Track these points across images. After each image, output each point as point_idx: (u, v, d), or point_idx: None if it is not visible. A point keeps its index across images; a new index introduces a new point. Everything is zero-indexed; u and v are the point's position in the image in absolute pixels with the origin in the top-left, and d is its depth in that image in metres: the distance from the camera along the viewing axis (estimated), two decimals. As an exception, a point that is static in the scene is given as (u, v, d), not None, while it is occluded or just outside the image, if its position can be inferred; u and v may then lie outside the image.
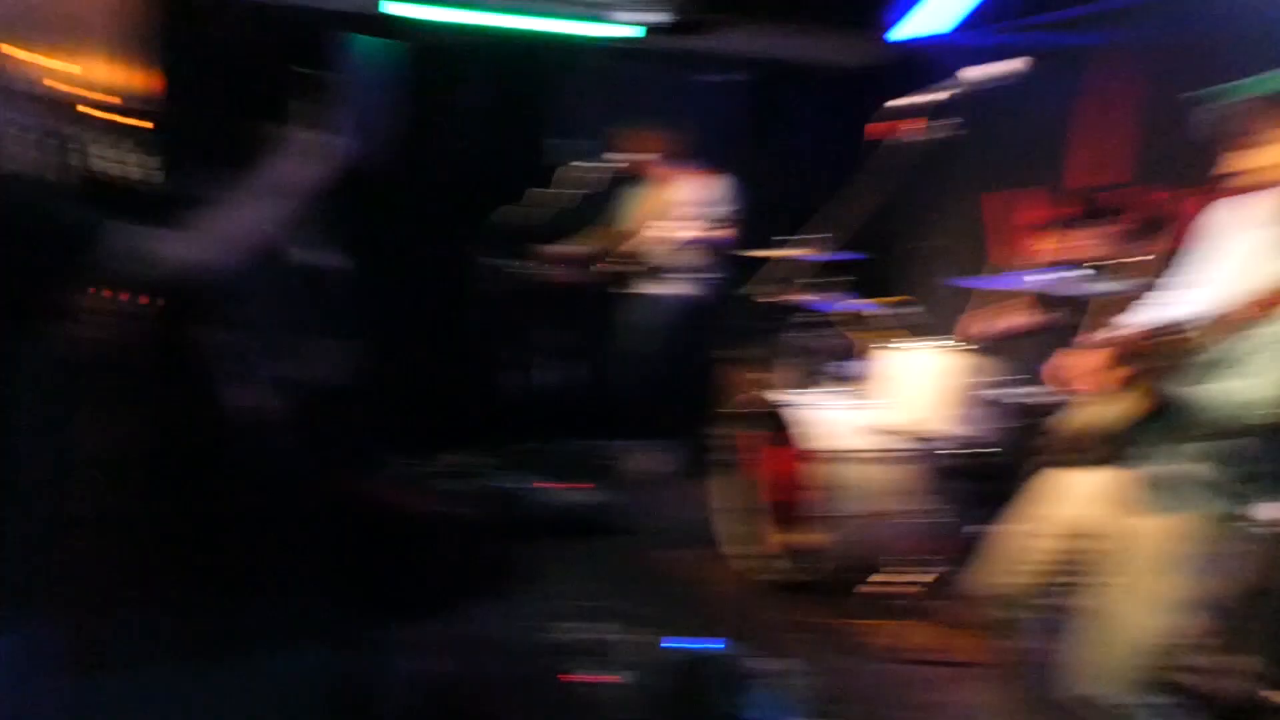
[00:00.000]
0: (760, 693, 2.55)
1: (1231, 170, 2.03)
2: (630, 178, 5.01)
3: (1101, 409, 2.17)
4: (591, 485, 4.44)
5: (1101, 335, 2.12)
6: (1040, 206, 4.55)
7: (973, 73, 2.65)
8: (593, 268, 4.97)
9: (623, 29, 5.57)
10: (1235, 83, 1.99)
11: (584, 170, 4.79)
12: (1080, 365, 2.22)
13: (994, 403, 3.48)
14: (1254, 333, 1.96)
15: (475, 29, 5.38)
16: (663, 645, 2.66)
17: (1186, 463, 2.06)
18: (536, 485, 4.33)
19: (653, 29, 5.58)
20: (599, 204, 5.10)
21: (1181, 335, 1.99)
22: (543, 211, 4.86)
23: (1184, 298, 2.19)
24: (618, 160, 4.84)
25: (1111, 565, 2.19)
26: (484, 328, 4.85)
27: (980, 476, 3.75)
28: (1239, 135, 2.00)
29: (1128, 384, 2.09)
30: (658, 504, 4.70)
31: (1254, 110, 1.96)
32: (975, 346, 3.52)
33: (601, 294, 5.01)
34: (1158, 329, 2.04)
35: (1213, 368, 1.97)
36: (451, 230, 4.96)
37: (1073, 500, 2.32)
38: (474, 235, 4.74)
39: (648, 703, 2.46)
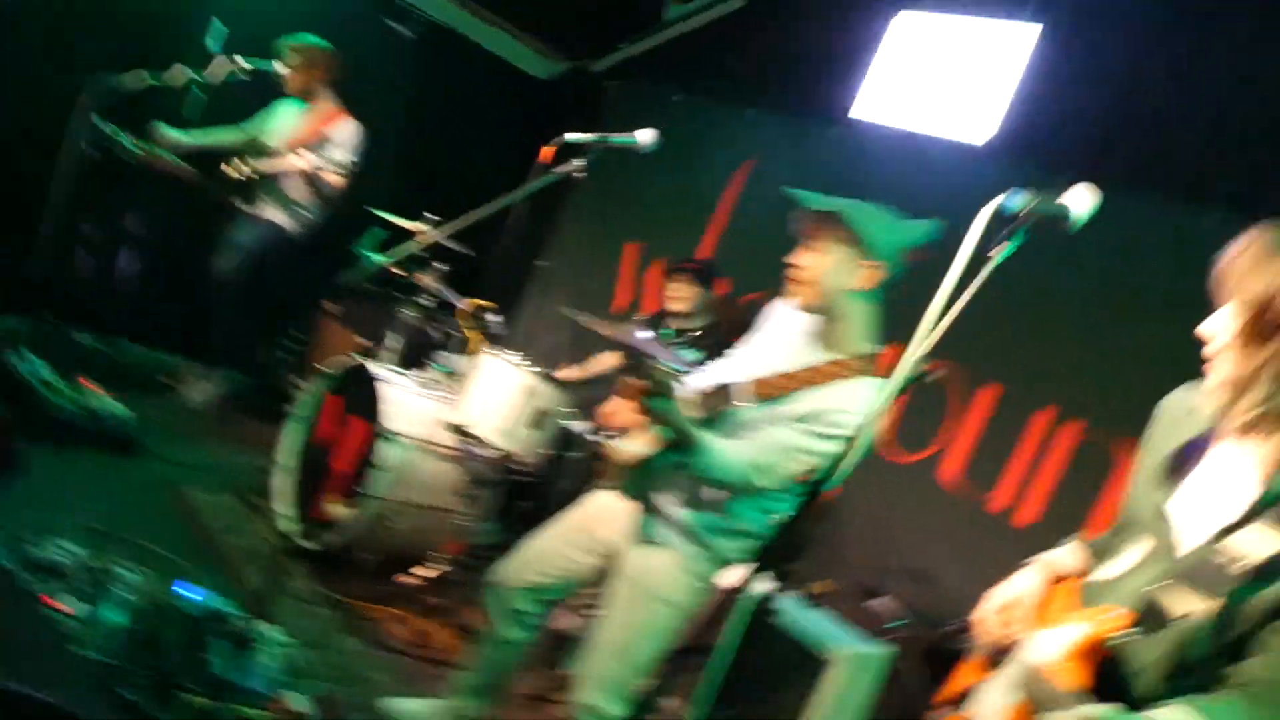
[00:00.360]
0: (250, 656, 2.46)
1: (788, 266, 2.33)
2: (281, 91, 4.68)
3: (627, 447, 2.40)
4: (133, 397, 4.01)
5: (628, 384, 2.32)
6: (661, 266, 4.92)
7: (643, 133, 2.80)
8: (209, 170, 4.55)
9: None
10: (791, 190, 2.27)
11: (234, 67, 4.41)
12: (615, 408, 2.48)
13: (550, 427, 3.65)
14: (747, 411, 2.26)
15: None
16: (172, 589, 2.47)
17: (674, 508, 2.34)
18: (72, 380, 3.83)
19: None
20: (239, 106, 4.72)
21: (698, 398, 2.27)
22: (176, 93, 4.39)
23: (716, 370, 2.48)
24: (274, 69, 4.51)
25: (611, 589, 2.39)
26: (64, 194, 4.20)
27: (522, 492, 3.94)
28: (797, 237, 2.31)
29: (644, 430, 2.34)
30: (206, 437, 4.38)
31: (805, 219, 2.28)
32: (558, 381, 3.70)
33: (208, 199, 4.60)
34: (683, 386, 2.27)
35: (712, 431, 2.24)
36: (59, 79, 4.28)
37: (591, 524, 2.52)
38: (85, 91, 4.11)
39: (121, 644, 2.26)
